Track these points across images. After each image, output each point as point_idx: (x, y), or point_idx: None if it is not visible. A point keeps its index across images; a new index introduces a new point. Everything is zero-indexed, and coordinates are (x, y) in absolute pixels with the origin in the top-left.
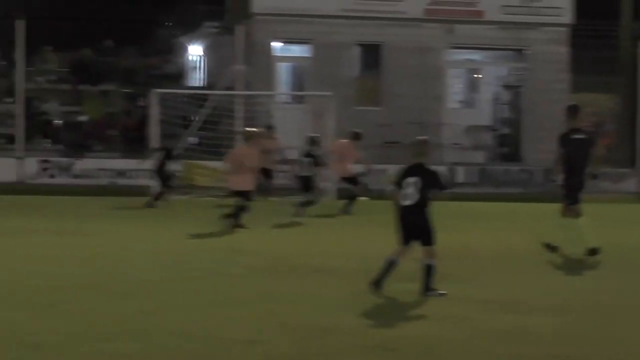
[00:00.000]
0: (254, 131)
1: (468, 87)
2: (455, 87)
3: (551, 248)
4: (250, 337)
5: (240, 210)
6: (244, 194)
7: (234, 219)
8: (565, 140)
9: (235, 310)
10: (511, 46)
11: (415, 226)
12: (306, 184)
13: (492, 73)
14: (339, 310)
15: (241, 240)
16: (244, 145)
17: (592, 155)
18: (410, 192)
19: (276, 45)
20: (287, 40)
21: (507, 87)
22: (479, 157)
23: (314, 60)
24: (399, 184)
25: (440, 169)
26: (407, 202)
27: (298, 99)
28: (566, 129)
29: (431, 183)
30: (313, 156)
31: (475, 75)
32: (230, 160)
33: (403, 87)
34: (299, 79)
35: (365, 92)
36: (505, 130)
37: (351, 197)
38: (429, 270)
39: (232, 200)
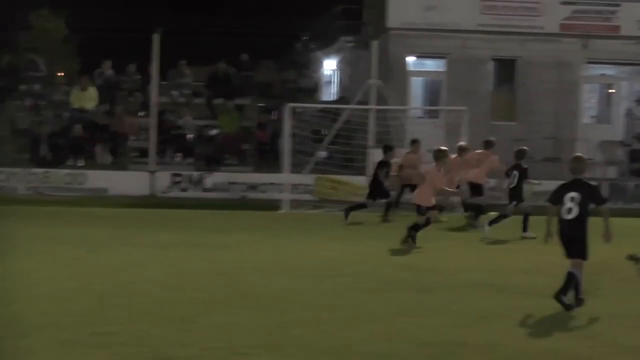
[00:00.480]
0: (444, 150)
1: (602, 102)
2: (589, 102)
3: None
4: (383, 352)
5: (418, 226)
6: (423, 209)
7: (412, 233)
8: None
9: (371, 325)
10: None
11: (572, 240)
12: (515, 195)
13: (627, 88)
14: (473, 324)
15: (378, 254)
16: (434, 165)
17: None
18: (570, 207)
19: (410, 59)
20: (422, 55)
21: None
22: (611, 172)
23: (449, 74)
24: (557, 199)
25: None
26: (568, 217)
27: (432, 114)
28: None
29: (591, 197)
30: (521, 168)
31: (610, 91)
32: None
33: (538, 102)
34: (433, 94)
35: (500, 107)
36: (638, 146)
37: (477, 210)
38: (570, 277)
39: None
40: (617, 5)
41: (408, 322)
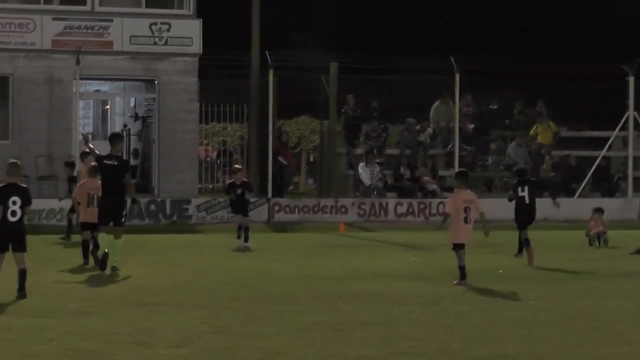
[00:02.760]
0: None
1: (97, 118)
2: (85, 119)
3: None
4: None
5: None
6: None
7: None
8: (100, 165)
9: None
10: (141, 76)
11: (16, 237)
12: None
13: (121, 104)
14: None
15: None
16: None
17: (127, 181)
18: (15, 209)
19: None
20: None
21: (137, 117)
22: None
23: None
24: (1, 201)
25: None
26: (14, 219)
27: None
28: (103, 155)
29: (26, 201)
30: None
31: (106, 107)
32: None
33: (31, 120)
34: None
35: None
36: (136, 162)
37: None
38: (22, 273)
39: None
40: (110, 20)
41: None
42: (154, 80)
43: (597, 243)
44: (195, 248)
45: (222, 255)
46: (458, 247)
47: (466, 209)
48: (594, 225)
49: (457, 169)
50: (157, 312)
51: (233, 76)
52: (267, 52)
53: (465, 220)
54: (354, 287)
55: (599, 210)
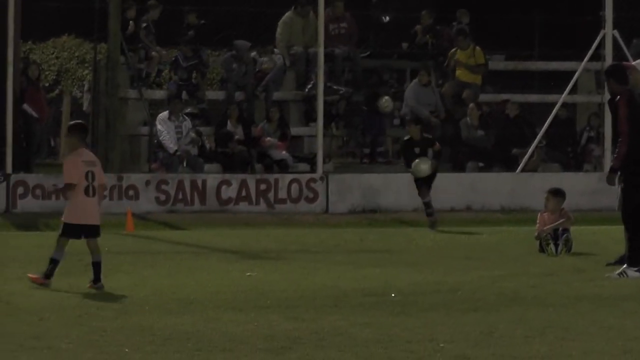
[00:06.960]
0: None
1: None
2: None
3: None
4: None
5: None
6: None
7: None
8: None
9: None
10: None
11: None
12: None
13: None
14: None
15: None
16: None
17: None
18: None
19: None
20: None
21: None
22: None
23: None
24: None
25: None
26: None
27: None
28: None
29: None
30: None
31: None
32: None
33: None
34: None
35: None
36: None
37: None
38: None
39: None
40: None
41: None
42: None
43: (552, 248)
44: None
45: None
46: (67, 232)
47: (88, 175)
48: (549, 218)
49: (320, 123)
50: None
51: None
52: None
53: (87, 192)
54: (150, 322)
55: (556, 194)
